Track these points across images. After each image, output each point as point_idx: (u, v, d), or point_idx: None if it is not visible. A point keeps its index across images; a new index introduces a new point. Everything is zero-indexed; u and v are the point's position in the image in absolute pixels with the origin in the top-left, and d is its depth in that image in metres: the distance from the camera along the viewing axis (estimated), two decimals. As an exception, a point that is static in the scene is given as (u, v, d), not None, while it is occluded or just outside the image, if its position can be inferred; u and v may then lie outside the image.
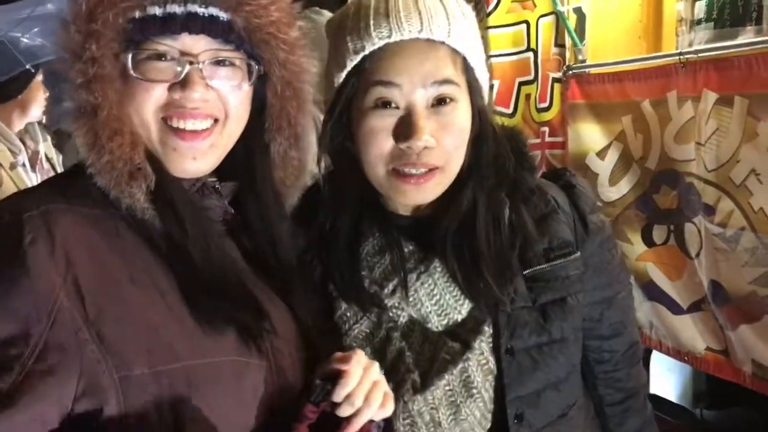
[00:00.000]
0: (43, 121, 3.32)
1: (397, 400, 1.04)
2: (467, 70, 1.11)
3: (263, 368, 0.97)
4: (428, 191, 1.09)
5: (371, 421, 0.94)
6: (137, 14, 0.91)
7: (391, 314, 1.12)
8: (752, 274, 2.29)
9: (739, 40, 2.30)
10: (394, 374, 1.07)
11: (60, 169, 3.26)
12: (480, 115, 1.13)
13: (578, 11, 2.93)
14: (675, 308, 2.64)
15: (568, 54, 3.00)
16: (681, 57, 2.42)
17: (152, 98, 0.93)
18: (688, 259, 2.55)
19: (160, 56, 0.93)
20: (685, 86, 2.44)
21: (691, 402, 3.10)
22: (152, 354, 0.88)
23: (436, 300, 1.11)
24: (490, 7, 3.20)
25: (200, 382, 0.91)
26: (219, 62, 0.96)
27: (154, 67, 0.93)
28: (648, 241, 2.72)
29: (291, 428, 0.91)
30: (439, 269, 1.11)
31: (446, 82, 1.07)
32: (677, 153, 2.53)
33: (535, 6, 3.14)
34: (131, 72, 0.92)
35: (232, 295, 0.96)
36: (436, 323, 1.12)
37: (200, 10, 0.92)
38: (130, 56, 0.92)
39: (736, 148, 2.29)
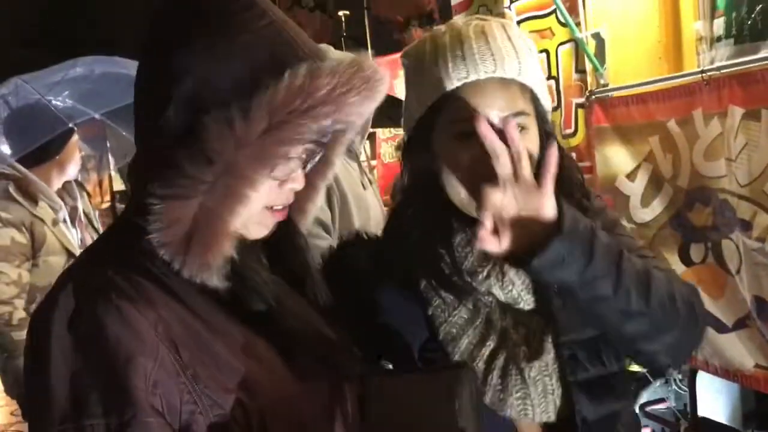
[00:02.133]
0: (79, 178, 3.42)
1: (507, 376, 1.17)
2: (535, 100, 1.22)
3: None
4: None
5: None
6: None
7: (483, 300, 1.23)
8: (796, 287, 2.26)
9: (761, 54, 2.30)
10: (501, 352, 1.19)
11: (96, 224, 3.34)
12: (547, 136, 1.25)
13: (597, 36, 2.96)
14: (720, 327, 2.60)
15: (589, 79, 3.03)
16: (704, 74, 2.44)
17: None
18: (729, 276, 2.52)
19: None
20: (710, 103, 2.45)
21: (741, 423, 3.02)
22: (240, 393, 0.92)
23: (523, 280, 1.21)
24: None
25: (284, 416, 0.95)
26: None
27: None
28: (686, 260, 2.69)
29: None
30: None
31: (519, 113, 1.18)
32: (708, 170, 2.53)
33: (553, 34, 3.18)
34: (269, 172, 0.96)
35: (310, 342, 1.02)
36: (528, 301, 1.22)
37: None
38: None
39: (767, 161, 2.28)
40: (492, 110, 1.16)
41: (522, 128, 1.18)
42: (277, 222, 1.04)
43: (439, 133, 1.21)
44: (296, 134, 0.90)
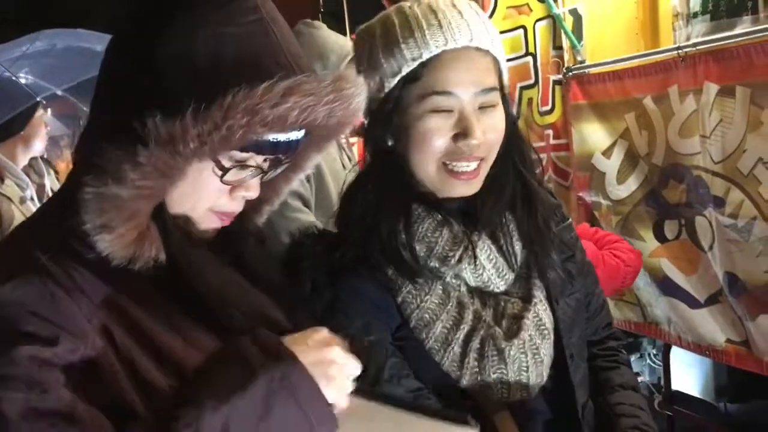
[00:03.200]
0: (45, 155, 3.36)
1: (483, 357, 1.18)
2: (500, 75, 1.23)
3: None
4: (475, 185, 1.22)
5: None
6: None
7: (452, 284, 1.23)
8: (767, 264, 2.28)
9: (737, 31, 2.30)
10: (476, 334, 1.19)
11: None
12: (509, 115, 1.25)
13: (574, 13, 2.95)
14: (692, 302, 2.63)
15: (566, 56, 3.02)
16: (680, 51, 2.44)
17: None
18: (702, 252, 2.54)
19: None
20: (686, 80, 2.45)
21: (714, 396, 3.07)
22: (179, 380, 0.89)
23: (494, 263, 1.23)
24: (487, 14, 3.22)
25: None
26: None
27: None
28: (660, 236, 2.71)
29: None
30: (488, 238, 1.25)
31: (491, 89, 1.19)
32: (682, 147, 2.54)
33: (531, 10, 3.16)
34: (218, 173, 0.92)
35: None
36: (497, 284, 1.24)
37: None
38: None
39: (741, 138, 2.30)
40: (468, 85, 1.16)
41: (492, 106, 1.19)
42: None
43: (411, 106, 1.18)
44: (247, 141, 0.87)
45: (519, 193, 1.27)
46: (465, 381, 1.16)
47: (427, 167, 1.20)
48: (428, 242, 1.22)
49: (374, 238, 1.23)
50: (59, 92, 3.56)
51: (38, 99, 3.06)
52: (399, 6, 1.23)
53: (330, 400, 0.88)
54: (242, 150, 0.90)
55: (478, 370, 1.17)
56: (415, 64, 1.16)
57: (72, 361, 0.83)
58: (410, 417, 0.95)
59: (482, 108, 1.18)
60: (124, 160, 0.84)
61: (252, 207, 1.09)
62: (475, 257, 1.22)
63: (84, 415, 0.82)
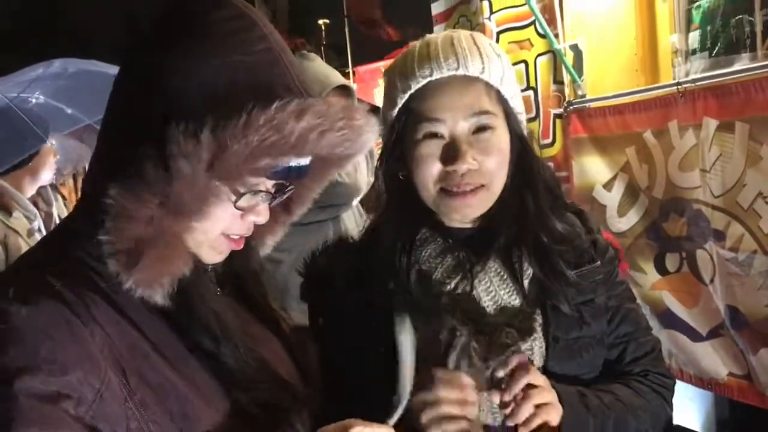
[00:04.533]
0: (54, 181, 3.38)
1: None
2: (502, 101, 1.25)
3: None
4: (474, 206, 1.24)
5: None
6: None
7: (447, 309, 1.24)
8: (768, 297, 2.30)
9: (735, 67, 2.34)
10: (463, 361, 1.20)
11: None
12: (520, 140, 1.28)
13: (575, 48, 3.00)
14: (694, 335, 2.63)
15: (567, 90, 3.06)
16: (679, 87, 2.47)
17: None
18: (703, 285, 2.55)
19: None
20: (685, 115, 2.48)
21: (715, 431, 3.06)
22: (184, 421, 0.90)
23: (492, 296, 1.24)
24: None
25: None
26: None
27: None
28: (661, 269, 2.72)
29: None
30: (493, 269, 1.26)
31: (483, 112, 1.21)
32: (682, 181, 2.56)
33: (532, 45, 3.21)
34: (232, 198, 0.94)
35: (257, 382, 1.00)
36: (494, 316, 1.24)
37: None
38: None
39: (741, 172, 2.32)
40: (456, 110, 1.20)
41: (488, 128, 1.21)
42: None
43: (407, 135, 1.24)
44: (261, 165, 0.87)
45: (531, 222, 1.27)
46: None
47: (426, 192, 1.24)
48: (428, 267, 1.25)
49: (385, 261, 1.26)
50: (92, 123, 3.61)
51: (48, 143, 3.07)
52: (410, 45, 1.30)
53: None
54: (257, 176, 0.92)
55: None
56: (407, 95, 1.23)
57: (82, 393, 0.82)
58: None
59: (477, 132, 1.21)
60: (143, 190, 0.85)
61: (255, 237, 1.10)
62: (472, 288, 1.23)
63: None
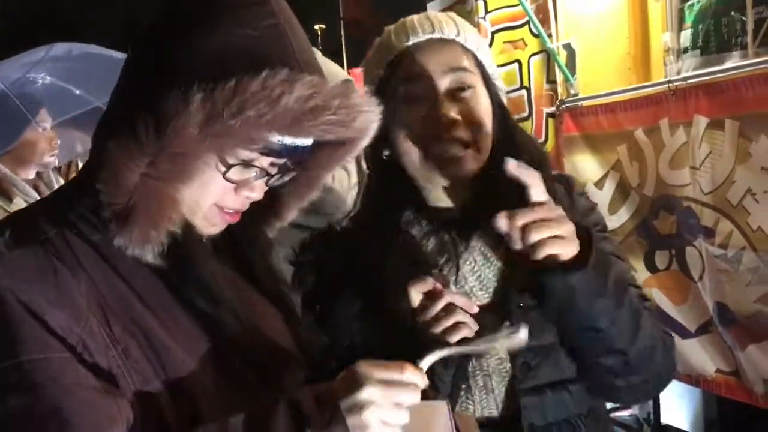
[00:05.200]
0: (56, 163, 3.36)
1: (449, 368, 1.17)
2: (479, 65, 1.26)
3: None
4: (465, 166, 1.22)
5: None
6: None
7: None
8: (756, 293, 2.31)
9: (726, 65, 2.37)
10: None
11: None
12: (500, 107, 1.28)
13: (568, 47, 3.02)
14: (682, 332, 2.64)
15: (560, 89, 3.09)
16: (670, 85, 2.50)
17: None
18: (692, 282, 2.57)
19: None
20: (677, 113, 2.51)
21: (703, 429, 3.07)
22: (166, 372, 0.90)
23: (477, 276, 1.23)
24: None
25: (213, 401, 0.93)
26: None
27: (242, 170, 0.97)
28: (651, 267, 2.74)
29: None
30: (477, 249, 1.24)
31: (461, 69, 1.22)
32: (673, 178, 2.58)
33: (526, 45, 3.24)
34: (222, 169, 0.94)
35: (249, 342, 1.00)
36: (480, 297, 1.22)
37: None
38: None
39: (730, 169, 2.34)
40: (433, 66, 1.21)
41: (467, 86, 1.22)
42: (242, 220, 1.03)
43: (390, 102, 1.20)
44: (250, 136, 0.88)
45: (513, 195, 1.20)
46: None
47: (412, 159, 1.24)
48: (413, 250, 1.24)
49: (373, 241, 1.24)
50: (101, 104, 3.59)
51: (31, 119, 3.06)
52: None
53: None
54: (248, 149, 0.92)
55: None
56: (384, 64, 1.25)
57: (63, 337, 0.84)
58: None
59: (456, 90, 1.22)
60: (135, 148, 0.86)
61: (263, 220, 1.12)
62: (458, 268, 1.22)
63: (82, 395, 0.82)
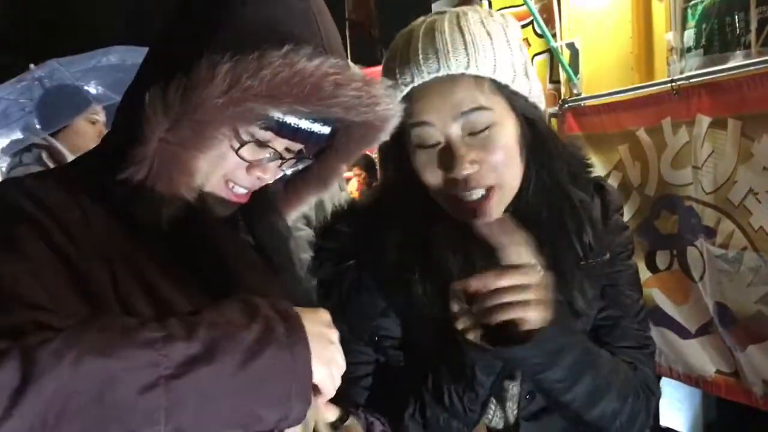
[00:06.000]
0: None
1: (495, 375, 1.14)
2: (499, 89, 1.13)
3: None
4: (491, 212, 1.14)
5: None
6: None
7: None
8: (757, 294, 2.30)
9: (729, 64, 2.36)
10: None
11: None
12: (529, 122, 1.17)
13: (571, 46, 3.02)
14: (683, 333, 2.63)
15: (563, 89, 3.08)
16: (673, 84, 2.49)
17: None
18: (693, 282, 2.56)
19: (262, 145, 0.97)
20: (679, 112, 2.50)
21: (703, 433, 3.06)
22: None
23: None
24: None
25: None
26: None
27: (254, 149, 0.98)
28: (652, 267, 2.73)
29: None
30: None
31: (476, 110, 1.11)
32: (674, 178, 2.57)
33: (529, 45, 3.24)
34: (235, 145, 0.95)
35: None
36: None
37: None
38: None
39: (732, 169, 2.33)
40: (443, 112, 1.11)
41: (484, 127, 1.12)
42: (262, 210, 1.05)
43: (406, 139, 1.16)
44: (269, 108, 0.89)
45: (550, 217, 1.18)
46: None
47: (436, 197, 1.18)
48: (439, 259, 1.18)
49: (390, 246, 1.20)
50: None
51: (84, 107, 3.30)
52: (402, 31, 1.21)
53: (315, 380, 0.84)
54: (264, 129, 0.93)
55: None
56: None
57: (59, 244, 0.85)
58: None
59: (473, 134, 1.12)
60: (161, 110, 0.88)
61: (277, 211, 1.13)
62: None
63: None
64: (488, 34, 1.14)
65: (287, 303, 0.87)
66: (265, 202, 1.09)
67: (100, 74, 3.76)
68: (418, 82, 1.11)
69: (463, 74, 1.10)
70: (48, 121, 3.33)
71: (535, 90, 1.18)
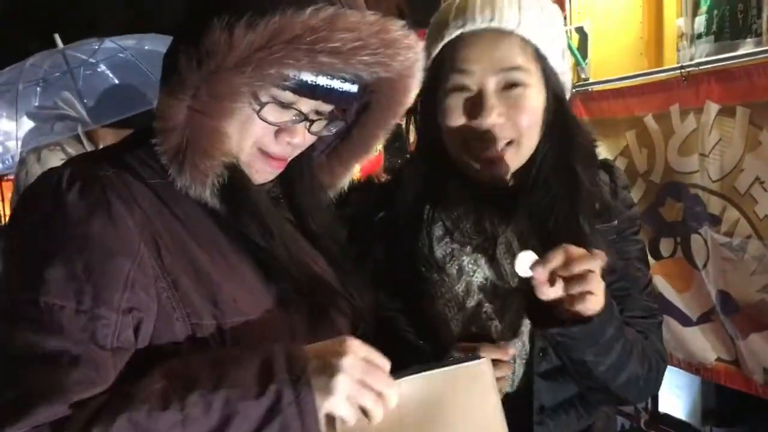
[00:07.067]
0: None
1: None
2: (539, 58, 1.18)
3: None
4: (503, 167, 1.20)
5: None
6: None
7: (468, 270, 1.23)
8: (760, 282, 2.30)
9: (740, 51, 2.35)
10: (475, 321, 1.20)
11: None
12: (557, 99, 1.22)
13: (580, 30, 3.00)
14: (684, 320, 2.64)
15: (571, 73, 3.06)
16: (683, 70, 2.48)
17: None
18: (696, 270, 2.56)
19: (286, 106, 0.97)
20: (688, 99, 2.49)
21: (700, 420, 3.07)
22: (217, 307, 0.93)
23: (508, 261, 1.21)
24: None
25: (259, 337, 0.95)
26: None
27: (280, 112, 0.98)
28: (655, 254, 2.73)
29: None
30: (516, 231, 1.23)
31: (515, 68, 1.16)
32: (681, 165, 2.57)
33: (537, 28, 3.22)
34: (257, 108, 0.95)
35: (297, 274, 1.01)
36: (512, 280, 1.22)
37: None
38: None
39: (739, 157, 2.33)
40: (486, 63, 1.16)
41: (518, 84, 1.16)
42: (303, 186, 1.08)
43: (440, 87, 1.20)
44: (284, 71, 0.89)
45: (562, 192, 1.21)
46: None
47: (452, 146, 1.22)
48: (452, 224, 1.24)
49: (406, 218, 1.24)
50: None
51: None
52: None
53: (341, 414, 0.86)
54: (283, 89, 0.93)
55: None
56: (440, 47, 1.19)
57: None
58: (429, 375, 0.93)
59: (507, 88, 1.17)
60: (177, 80, 0.90)
61: (329, 182, 1.15)
62: (495, 249, 1.22)
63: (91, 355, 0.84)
64: (541, 7, 1.21)
65: (304, 355, 0.87)
66: (305, 178, 1.11)
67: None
68: (469, 28, 1.16)
69: (512, 32, 1.16)
70: (102, 113, 3.19)
71: (567, 75, 1.26)
